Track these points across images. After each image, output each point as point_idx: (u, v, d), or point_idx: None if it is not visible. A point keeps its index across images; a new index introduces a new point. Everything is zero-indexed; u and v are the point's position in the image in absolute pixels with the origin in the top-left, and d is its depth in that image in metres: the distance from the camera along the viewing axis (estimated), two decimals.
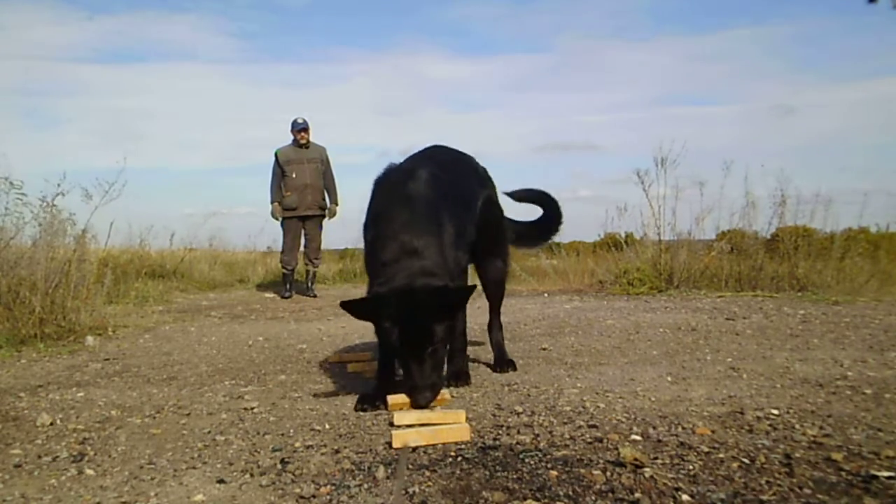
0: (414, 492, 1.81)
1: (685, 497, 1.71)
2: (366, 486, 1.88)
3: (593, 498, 1.73)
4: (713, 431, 2.25)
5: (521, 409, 2.61)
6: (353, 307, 2.63)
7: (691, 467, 1.91)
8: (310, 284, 8.21)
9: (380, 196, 2.99)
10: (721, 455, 2.01)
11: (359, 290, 9.03)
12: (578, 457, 2.03)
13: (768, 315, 5.04)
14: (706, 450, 2.06)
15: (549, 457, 2.04)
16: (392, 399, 2.73)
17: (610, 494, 1.75)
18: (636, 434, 2.24)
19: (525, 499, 1.74)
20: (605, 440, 2.19)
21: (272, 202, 7.85)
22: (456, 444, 2.20)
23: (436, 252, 2.70)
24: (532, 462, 2.00)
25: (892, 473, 1.80)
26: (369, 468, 2.01)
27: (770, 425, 2.30)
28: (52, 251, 5.04)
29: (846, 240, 7.17)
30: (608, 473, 1.88)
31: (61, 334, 4.67)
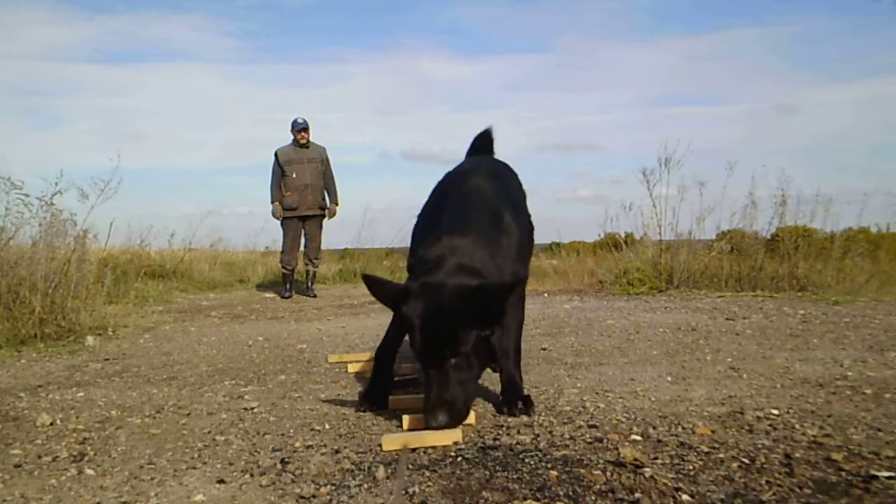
0: (414, 492, 1.81)
1: (685, 497, 1.71)
2: (366, 486, 1.88)
3: (593, 498, 1.73)
4: (713, 431, 2.25)
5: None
6: (374, 284, 2.37)
7: (691, 467, 1.91)
8: (310, 284, 8.21)
9: (437, 193, 2.79)
10: (721, 455, 2.01)
11: (359, 290, 9.03)
12: (578, 457, 2.03)
13: (768, 315, 5.04)
14: (706, 450, 2.06)
15: (549, 457, 2.04)
16: (396, 401, 2.73)
17: (610, 494, 1.75)
18: (636, 434, 2.24)
19: (525, 499, 1.74)
20: (605, 440, 2.19)
21: (272, 202, 7.85)
22: (455, 444, 2.20)
23: (486, 255, 2.37)
24: (532, 462, 2.00)
25: (892, 473, 1.80)
26: (369, 468, 2.01)
27: (770, 425, 2.30)
28: (52, 251, 5.04)
29: (846, 240, 7.17)
30: (608, 473, 1.88)
31: (61, 334, 4.67)
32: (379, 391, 2.72)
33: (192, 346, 4.55)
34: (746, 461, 1.95)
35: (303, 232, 7.99)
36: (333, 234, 12.42)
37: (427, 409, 2.21)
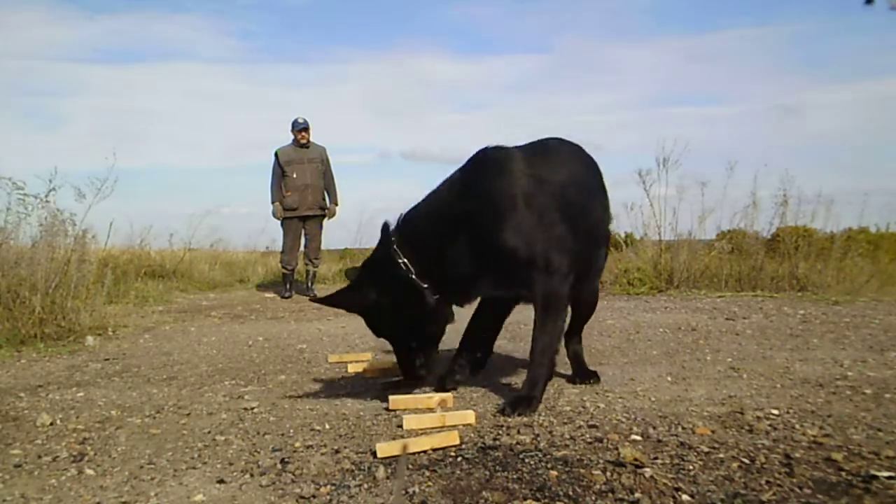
0: (414, 492, 1.81)
1: (685, 497, 1.71)
2: (366, 486, 1.88)
3: (593, 498, 1.73)
4: (713, 431, 2.25)
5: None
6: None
7: (691, 467, 1.91)
8: (310, 284, 8.21)
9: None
10: (721, 455, 2.01)
11: None
12: (578, 457, 2.03)
13: (768, 315, 5.04)
14: (706, 450, 2.06)
15: (549, 457, 2.04)
16: (393, 400, 2.73)
17: (610, 494, 1.75)
18: (636, 434, 2.24)
19: (525, 499, 1.74)
20: (605, 440, 2.19)
21: (273, 202, 7.85)
22: (453, 447, 2.20)
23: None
24: (532, 462, 2.00)
25: (892, 473, 1.80)
26: (369, 468, 2.01)
27: (770, 425, 2.30)
28: (52, 251, 5.04)
29: (846, 240, 7.17)
30: (608, 473, 1.88)
31: (61, 334, 4.67)
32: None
33: (192, 346, 4.55)
34: (746, 461, 1.95)
35: (303, 232, 7.99)
36: (333, 234, 12.41)
37: None
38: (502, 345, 4.14)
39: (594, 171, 3.01)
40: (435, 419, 2.43)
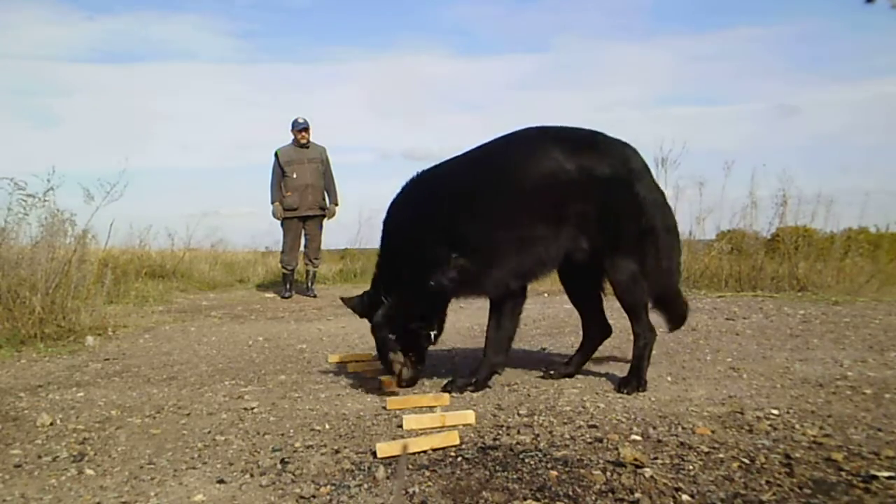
0: (414, 492, 1.81)
1: (685, 497, 1.71)
2: (366, 486, 1.88)
3: (593, 498, 1.73)
4: (713, 431, 2.25)
5: (521, 410, 2.61)
6: None
7: (691, 467, 1.91)
8: (310, 284, 8.21)
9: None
10: (721, 455, 2.01)
11: (358, 290, 9.03)
12: (578, 457, 2.03)
13: (768, 315, 5.04)
14: (706, 450, 2.06)
15: (549, 457, 2.04)
16: (391, 400, 2.74)
17: (610, 494, 1.75)
18: (636, 434, 2.24)
19: (525, 499, 1.74)
20: (605, 440, 2.19)
21: (273, 202, 7.85)
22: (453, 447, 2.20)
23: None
24: (532, 462, 2.00)
25: (892, 473, 1.80)
26: (369, 468, 2.01)
27: (770, 425, 2.30)
28: (53, 251, 5.04)
29: (846, 240, 7.17)
30: (608, 473, 1.88)
31: (61, 334, 4.67)
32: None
33: (192, 346, 4.55)
34: (746, 461, 1.95)
35: (303, 232, 7.99)
36: (333, 235, 12.39)
37: None
38: None
39: None
40: (435, 419, 2.43)
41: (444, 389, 2.92)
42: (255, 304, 7.44)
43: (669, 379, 3.09)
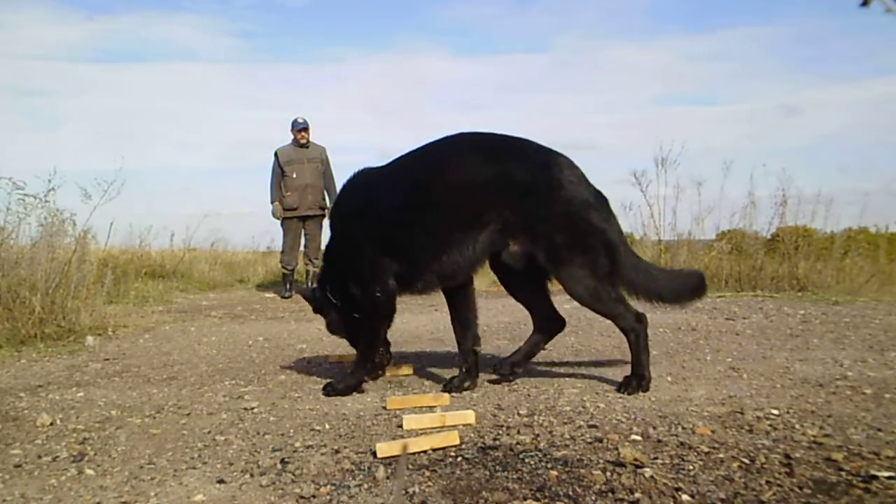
0: (414, 492, 1.81)
1: (685, 497, 1.71)
2: (366, 486, 1.88)
3: (593, 498, 1.73)
4: (713, 431, 2.25)
5: (521, 410, 2.61)
6: None
7: (691, 467, 1.91)
8: (310, 284, 8.21)
9: None
10: (721, 455, 2.01)
11: None
12: (578, 457, 2.03)
13: (768, 315, 5.04)
14: (706, 450, 2.06)
15: (549, 457, 2.04)
16: (391, 401, 2.74)
17: (610, 494, 1.75)
18: (636, 434, 2.24)
19: (525, 499, 1.74)
20: (605, 440, 2.19)
21: (272, 202, 7.85)
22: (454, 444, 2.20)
23: None
24: (532, 462, 2.00)
25: (892, 473, 1.80)
26: (369, 468, 2.01)
27: (770, 425, 2.30)
28: (52, 251, 5.04)
29: (846, 240, 7.17)
30: (608, 473, 1.88)
31: (61, 334, 4.67)
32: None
33: (192, 346, 4.55)
34: (746, 461, 1.95)
35: (303, 232, 7.99)
36: None
37: None
38: (502, 345, 4.14)
39: None
40: (435, 419, 2.43)
41: (445, 389, 2.92)
42: (255, 304, 7.44)
43: (669, 379, 3.09)
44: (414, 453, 2.12)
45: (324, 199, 7.98)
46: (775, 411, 2.47)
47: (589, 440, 2.20)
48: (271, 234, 16.56)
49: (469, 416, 2.45)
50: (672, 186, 7.57)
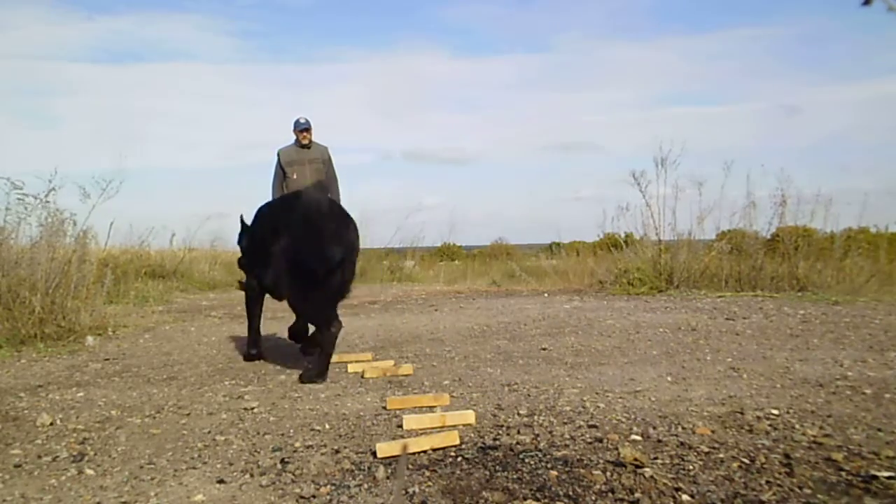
0: (414, 492, 1.81)
1: (685, 497, 1.71)
2: (366, 486, 1.88)
3: (593, 498, 1.73)
4: (713, 431, 2.25)
5: (521, 410, 2.61)
6: None
7: (691, 467, 1.92)
8: None
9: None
10: (721, 455, 2.01)
11: (359, 290, 9.01)
12: (578, 457, 2.03)
13: (768, 315, 5.04)
14: (706, 450, 2.06)
15: (549, 457, 2.04)
16: (391, 400, 2.74)
17: (610, 494, 1.75)
18: (636, 434, 2.24)
19: (525, 499, 1.74)
20: (605, 440, 2.19)
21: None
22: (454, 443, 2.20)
23: None
24: (532, 462, 2.00)
25: (892, 473, 1.80)
26: (369, 468, 2.01)
27: (770, 425, 2.30)
28: (52, 251, 5.04)
29: (846, 240, 7.17)
30: (608, 473, 1.88)
31: (61, 334, 4.67)
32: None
33: (192, 346, 4.55)
34: (746, 461, 1.95)
35: None
36: None
37: None
38: (502, 345, 4.14)
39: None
40: (435, 419, 2.43)
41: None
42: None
43: (669, 379, 3.09)
44: (414, 453, 2.12)
45: None
46: (775, 411, 2.47)
47: (589, 440, 2.20)
48: None
49: (469, 416, 2.45)
50: (672, 186, 7.57)
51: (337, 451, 2.19)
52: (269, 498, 1.83)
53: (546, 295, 7.43)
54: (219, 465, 2.10)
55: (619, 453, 2.00)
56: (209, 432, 2.47)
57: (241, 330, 5.31)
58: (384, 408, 2.72)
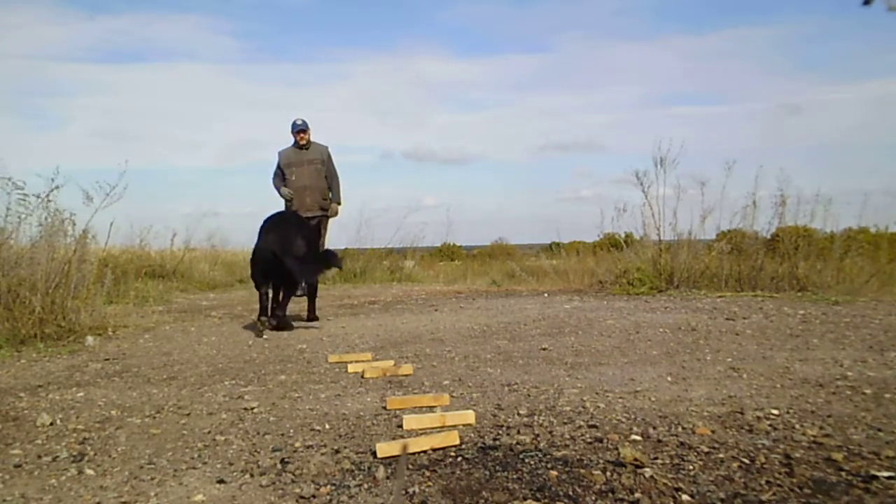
0: (414, 492, 1.81)
1: (685, 497, 1.71)
2: (366, 486, 1.88)
3: (593, 498, 1.73)
4: (713, 431, 2.25)
5: (521, 410, 2.61)
6: None
7: (691, 467, 1.92)
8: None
9: None
10: (721, 455, 2.01)
11: (359, 290, 9.02)
12: (578, 457, 2.03)
13: (768, 315, 5.04)
14: (706, 450, 2.06)
15: (549, 457, 2.04)
16: (391, 400, 2.74)
17: (610, 494, 1.75)
18: (636, 434, 2.24)
19: (525, 499, 1.74)
20: (605, 440, 2.19)
21: (278, 190, 7.82)
22: (454, 444, 2.20)
23: None
24: (532, 462, 2.00)
25: (892, 473, 1.80)
26: (369, 468, 2.01)
27: (770, 425, 2.30)
28: (52, 251, 5.04)
29: (846, 240, 7.16)
30: (608, 473, 1.88)
31: (61, 334, 4.67)
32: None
33: (192, 346, 4.55)
34: (746, 461, 1.95)
35: None
36: (333, 234, 12.39)
37: None
38: (502, 345, 4.14)
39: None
40: (435, 419, 2.43)
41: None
42: (254, 304, 7.41)
43: (669, 379, 3.09)
44: (414, 453, 2.12)
45: (325, 199, 7.96)
46: (775, 411, 2.47)
47: (589, 440, 2.20)
48: None
49: (469, 416, 2.45)
50: (672, 186, 7.56)
51: (337, 451, 2.19)
52: (269, 498, 1.83)
53: (546, 295, 7.43)
54: (219, 465, 2.10)
55: (619, 453, 2.01)
56: (209, 432, 2.47)
57: (242, 330, 5.32)
58: (384, 408, 2.72)
